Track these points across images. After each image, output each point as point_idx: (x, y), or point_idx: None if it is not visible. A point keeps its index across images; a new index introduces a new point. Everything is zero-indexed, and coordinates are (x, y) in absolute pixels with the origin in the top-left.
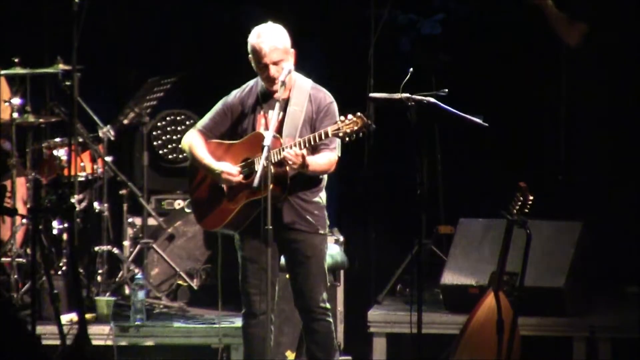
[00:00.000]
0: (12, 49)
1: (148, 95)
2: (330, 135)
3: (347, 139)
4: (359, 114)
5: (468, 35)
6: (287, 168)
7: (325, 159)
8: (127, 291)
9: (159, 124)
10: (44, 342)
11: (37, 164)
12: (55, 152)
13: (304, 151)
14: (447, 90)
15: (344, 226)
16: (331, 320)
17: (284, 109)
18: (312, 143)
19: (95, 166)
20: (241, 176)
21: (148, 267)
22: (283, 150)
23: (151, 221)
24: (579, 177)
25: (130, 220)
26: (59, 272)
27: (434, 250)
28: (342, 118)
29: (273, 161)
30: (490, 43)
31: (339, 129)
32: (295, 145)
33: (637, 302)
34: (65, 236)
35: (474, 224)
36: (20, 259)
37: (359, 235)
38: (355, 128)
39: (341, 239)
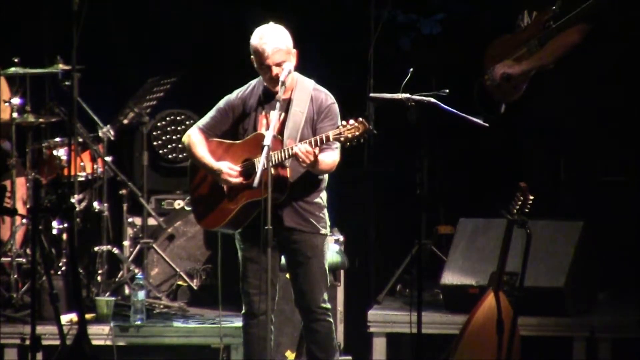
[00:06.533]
0: (12, 49)
1: (148, 95)
2: (331, 139)
3: (348, 143)
4: (360, 119)
5: (468, 35)
6: (288, 171)
7: (331, 159)
8: (127, 291)
9: (159, 124)
10: (44, 342)
11: (37, 164)
12: (55, 152)
13: (317, 150)
14: (447, 90)
15: (344, 226)
16: (331, 320)
17: (286, 109)
18: (314, 146)
19: (95, 166)
20: (241, 177)
21: (148, 267)
22: (291, 149)
23: (151, 221)
24: (579, 177)
25: (130, 220)
26: (59, 272)
27: (434, 250)
28: (344, 123)
29: (274, 162)
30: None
31: (340, 133)
32: (305, 144)
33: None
34: (65, 236)
35: (474, 224)
36: (20, 259)
37: (359, 235)
38: (357, 133)
39: (341, 239)
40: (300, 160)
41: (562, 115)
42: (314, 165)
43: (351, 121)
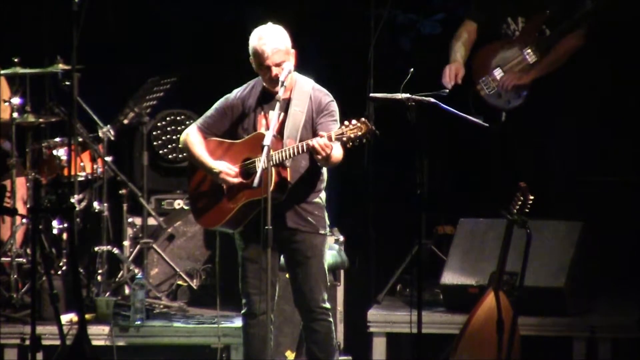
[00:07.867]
0: (12, 49)
1: (148, 95)
2: (333, 139)
3: (350, 143)
4: (363, 119)
5: None
6: (288, 171)
7: (339, 152)
8: (127, 291)
9: (159, 124)
10: (44, 342)
11: (37, 164)
12: (55, 152)
13: (333, 143)
14: (447, 90)
15: (344, 226)
16: (331, 320)
17: (285, 109)
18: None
19: (95, 166)
20: (239, 177)
21: (148, 267)
22: (297, 147)
23: (151, 221)
24: (578, 178)
25: (130, 220)
26: (59, 272)
27: (434, 250)
28: (347, 123)
29: (274, 162)
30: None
31: (342, 133)
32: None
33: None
34: (65, 236)
35: (474, 224)
36: (20, 259)
37: (359, 235)
38: (359, 133)
39: (341, 239)
40: (317, 153)
41: (560, 115)
42: (328, 159)
43: (353, 121)
